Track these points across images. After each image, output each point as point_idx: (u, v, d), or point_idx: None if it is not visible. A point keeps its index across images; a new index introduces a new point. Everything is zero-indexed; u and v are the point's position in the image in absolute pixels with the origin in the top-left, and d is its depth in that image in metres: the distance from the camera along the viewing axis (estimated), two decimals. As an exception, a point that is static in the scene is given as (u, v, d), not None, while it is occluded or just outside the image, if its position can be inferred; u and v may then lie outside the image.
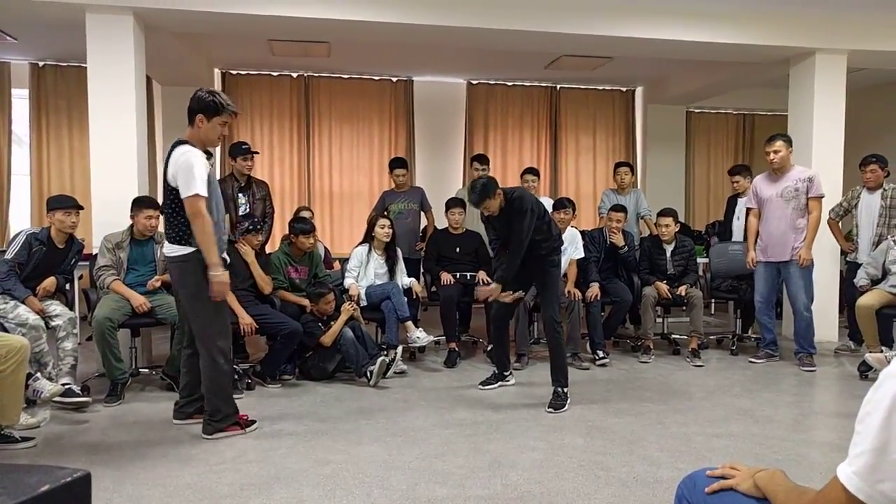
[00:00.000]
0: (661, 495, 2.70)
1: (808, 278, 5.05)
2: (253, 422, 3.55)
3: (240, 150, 5.30)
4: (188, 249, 3.25)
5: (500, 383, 4.43)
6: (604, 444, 3.34)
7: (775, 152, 5.00)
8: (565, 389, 4.01)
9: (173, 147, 3.29)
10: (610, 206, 5.71)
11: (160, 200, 4.93)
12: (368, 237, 5.21)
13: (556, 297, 4.16)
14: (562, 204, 5.34)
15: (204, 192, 3.18)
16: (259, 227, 4.71)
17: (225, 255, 3.44)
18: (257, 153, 5.48)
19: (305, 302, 4.72)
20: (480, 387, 4.38)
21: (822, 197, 5.06)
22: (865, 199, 5.49)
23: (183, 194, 3.18)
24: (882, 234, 5.32)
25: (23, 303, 3.95)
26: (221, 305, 3.36)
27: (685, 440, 3.40)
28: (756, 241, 5.21)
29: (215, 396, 3.39)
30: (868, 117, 7.80)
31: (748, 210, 5.32)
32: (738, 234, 6.15)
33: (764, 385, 4.55)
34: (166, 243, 3.35)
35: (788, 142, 5.06)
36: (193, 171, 3.16)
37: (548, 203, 5.84)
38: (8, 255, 4.08)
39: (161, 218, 4.60)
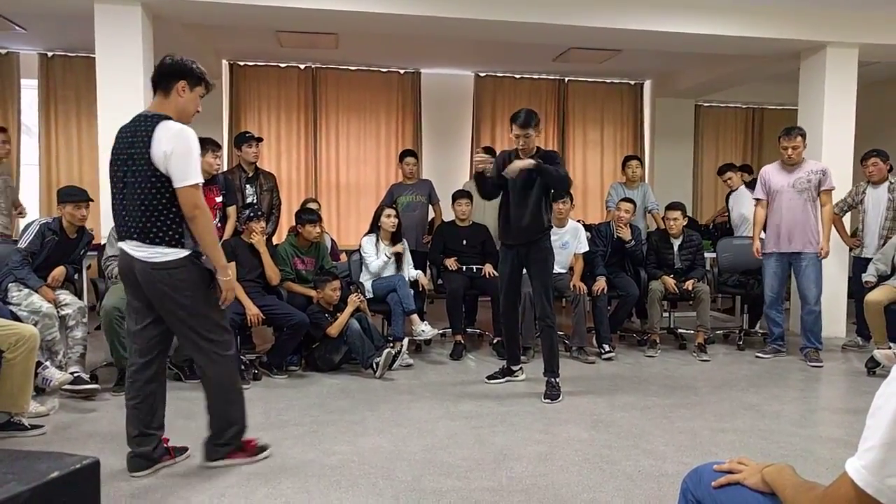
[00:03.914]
0: (666, 489, 2.70)
1: (819, 272, 5.02)
2: (265, 448, 3.03)
3: (244, 138, 5.31)
4: (181, 253, 2.68)
5: (507, 378, 4.41)
6: (609, 437, 3.34)
7: (794, 148, 4.97)
8: (558, 379, 4.07)
9: (150, 122, 2.65)
10: (619, 199, 5.70)
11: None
12: (374, 227, 5.23)
13: (549, 288, 4.16)
14: (559, 195, 5.28)
15: (201, 180, 2.70)
16: (260, 212, 4.71)
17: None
18: (261, 140, 5.48)
19: (312, 293, 4.73)
20: (487, 380, 4.38)
21: (834, 190, 5.06)
22: (872, 194, 5.46)
23: (179, 183, 2.62)
24: (890, 229, 5.29)
25: (36, 292, 3.98)
26: (221, 311, 2.84)
27: (691, 434, 3.40)
28: (762, 232, 5.18)
29: (228, 409, 2.88)
30: (879, 111, 7.73)
31: (756, 201, 5.27)
32: (740, 228, 6.13)
33: (770, 380, 4.54)
34: (140, 245, 2.68)
35: (805, 136, 5.04)
36: (193, 156, 2.65)
37: None
38: (21, 245, 4.12)
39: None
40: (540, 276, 4.12)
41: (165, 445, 2.91)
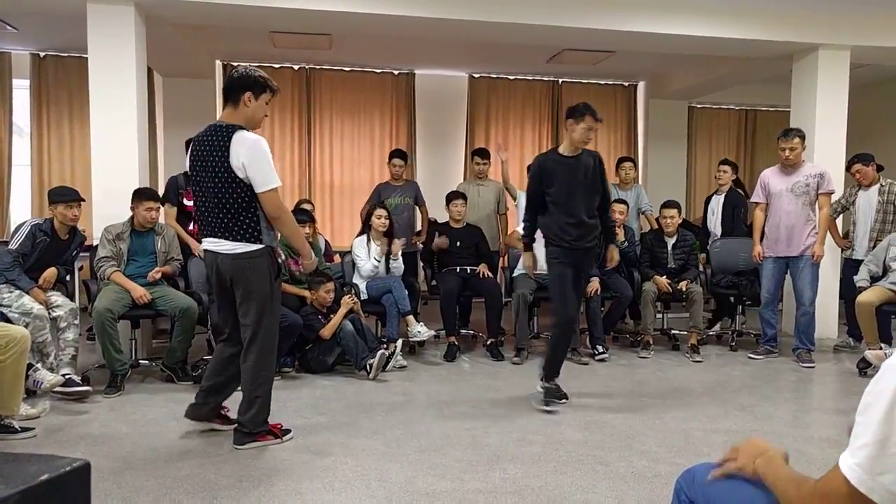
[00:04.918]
0: (659, 490, 2.70)
1: (816, 274, 5.04)
2: (288, 430, 3.30)
3: None
4: (257, 246, 3.01)
5: (564, 400, 3.89)
6: (602, 438, 3.34)
7: (791, 149, 4.96)
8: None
9: (226, 132, 2.94)
10: (612, 200, 5.70)
11: (160, 192, 4.98)
12: (366, 228, 5.23)
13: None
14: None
15: (280, 185, 3.02)
16: None
17: None
18: None
19: (306, 293, 4.72)
20: (546, 410, 3.79)
21: (832, 193, 5.07)
22: (863, 196, 5.50)
23: (261, 188, 2.94)
24: (880, 230, 5.33)
25: (27, 293, 3.96)
26: (280, 306, 3.27)
27: (684, 435, 3.41)
28: (762, 235, 5.18)
29: (259, 400, 3.14)
30: (870, 114, 7.78)
31: (755, 205, 5.27)
32: (716, 231, 6.09)
33: (763, 381, 4.56)
34: (223, 241, 3.02)
35: (803, 138, 5.03)
36: (269, 163, 2.96)
37: (521, 197, 5.88)
38: (12, 246, 4.09)
39: (161, 210, 4.60)
40: (586, 281, 4.04)
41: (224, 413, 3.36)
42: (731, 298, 5.78)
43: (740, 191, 6.29)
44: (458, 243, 5.48)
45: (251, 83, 3.01)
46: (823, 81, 5.95)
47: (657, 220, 5.76)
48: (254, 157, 2.91)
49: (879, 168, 5.59)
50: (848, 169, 5.55)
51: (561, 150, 3.92)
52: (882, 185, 5.39)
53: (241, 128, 2.98)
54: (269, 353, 3.15)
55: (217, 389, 3.30)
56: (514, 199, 6.07)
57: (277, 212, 2.99)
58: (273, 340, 3.17)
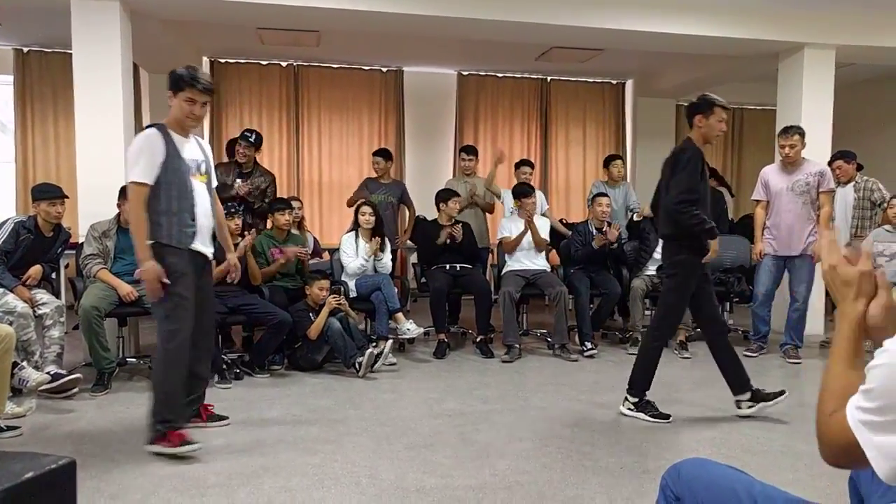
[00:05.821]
0: (647, 486, 2.72)
1: (812, 271, 5.05)
2: (223, 417, 3.34)
3: (241, 136, 5.46)
4: (151, 242, 3.02)
5: (763, 403, 3.62)
6: (591, 434, 3.36)
7: (791, 146, 4.94)
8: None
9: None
10: (595, 194, 5.75)
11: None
12: (355, 224, 5.23)
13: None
14: (524, 192, 5.43)
15: (141, 179, 2.95)
16: (233, 209, 4.60)
17: (206, 248, 3.21)
18: (248, 139, 5.40)
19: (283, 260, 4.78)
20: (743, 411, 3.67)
21: (833, 191, 5.09)
22: (840, 193, 5.56)
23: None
24: (859, 226, 5.40)
25: (11, 291, 3.91)
26: (180, 302, 3.03)
27: (672, 431, 3.43)
28: (763, 233, 5.17)
29: (156, 398, 3.04)
30: (856, 113, 7.84)
31: (755, 202, 5.28)
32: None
33: (751, 377, 4.58)
34: None
35: (803, 135, 5.00)
36: (136, 157, 2.97)
37: (506, 195, 5.91)
38: (-5, 244, 4.04)
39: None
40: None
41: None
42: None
43: (723, 188, 6.33)
44: (448, 241, 5.47)
45: (172, 81, 3.02)
46: (809, 80, 6.00)
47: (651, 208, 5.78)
48: (130, 151, 3.03)
49: (859, 167, 5.66)
50: (830, 163, 5.60)
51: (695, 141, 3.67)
52: (857, 182, 5.48)
53: (151, 125, 3.10)
54: (164, 350, 3.04)
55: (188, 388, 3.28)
56: (500, 198, 6.09)
57: (127, 204, 3.02)
58: (169, 340, 3.03)
